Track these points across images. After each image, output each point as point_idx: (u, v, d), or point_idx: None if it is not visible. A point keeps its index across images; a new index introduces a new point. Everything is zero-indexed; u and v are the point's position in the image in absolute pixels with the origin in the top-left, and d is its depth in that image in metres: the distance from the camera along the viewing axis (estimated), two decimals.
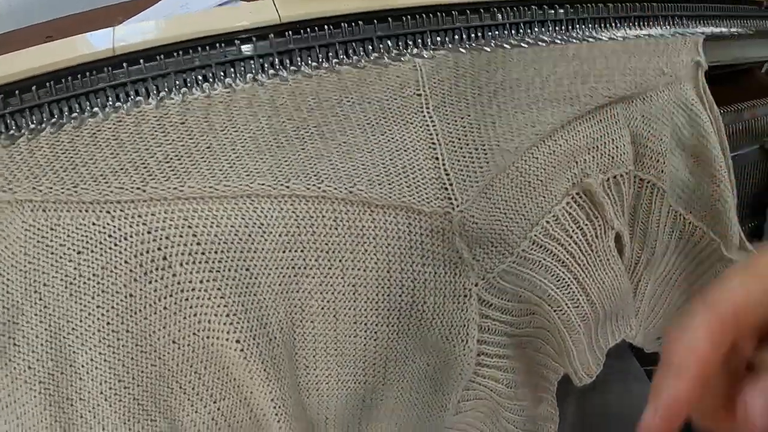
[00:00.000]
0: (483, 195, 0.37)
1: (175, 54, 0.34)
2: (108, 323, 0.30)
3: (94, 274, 0.30)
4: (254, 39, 0.35)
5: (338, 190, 0.33)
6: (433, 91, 0.35)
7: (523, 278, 0.39)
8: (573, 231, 0.39)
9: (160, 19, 0.67)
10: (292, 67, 0.33)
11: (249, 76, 0.33)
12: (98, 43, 0.34)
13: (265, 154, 0.32)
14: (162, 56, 0.33)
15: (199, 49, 0.35)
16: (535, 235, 0.39)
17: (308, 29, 0.37)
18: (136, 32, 0.35)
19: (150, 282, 0.30)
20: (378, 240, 0.34)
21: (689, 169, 0.46)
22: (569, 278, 0.39)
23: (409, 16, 0.38)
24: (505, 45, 0.34)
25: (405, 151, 0.34)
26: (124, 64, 0.33)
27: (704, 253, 0.47)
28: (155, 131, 0.31)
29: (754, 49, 0.55)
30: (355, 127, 0.34)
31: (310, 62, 0.34)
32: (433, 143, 0.35)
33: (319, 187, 0.33)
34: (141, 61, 0.33)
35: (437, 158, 0.35)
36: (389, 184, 0.34)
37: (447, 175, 0.35)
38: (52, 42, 0.36)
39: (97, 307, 0.30)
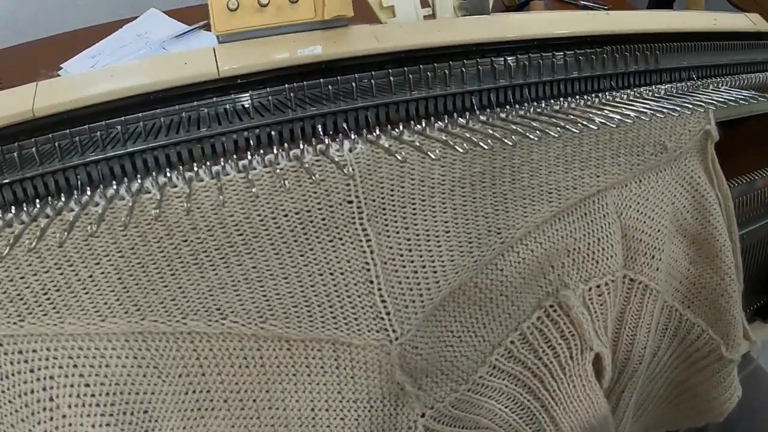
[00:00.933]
0: (431, 319, 0.30)
1: (58, 139, 0.28)
2: None
3: None
4: (145, 127, 0.29)
5: (246, 325, 0.27)
6: (369, 195, 0.28)
7: (481, 406, 0.33)
8: (543, 352, 0.33)
9: (111, 53, 0.60)
10: (187, 173, 0.27)
11: (135, 185, 0.26)
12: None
13: (158, 284, 0.26)
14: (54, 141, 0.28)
15: (89, 133, 0.29)
16: (497, 359, 0.32)
17: (217, 99, 0.30)
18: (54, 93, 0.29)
19: (39, 423, 0.27)
20: (298, 377, 0.28)
21: (690, 259, 0.39)
22: (536, 407, 0.33)
23: (358, 79, 0.31)
24: (464, 144, 0.27)
25: (330, 274, 0.28)
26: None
27: (701, 353, 0.40)
28: (30, 257, 0.26)
29: None
30: (267, 248, 0.27)
31: (208, 164, 0.27)
32: (367, 263, 0.28)
33: (223, 324, 0.27)
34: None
35: (371, 281, 0.28)
36: (309, 316, 0.28)
37: (383, 302, 0.28)
38: None
39: None
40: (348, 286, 0.28)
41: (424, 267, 0.29)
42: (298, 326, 0.28)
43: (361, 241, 0.28)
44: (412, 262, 0.29)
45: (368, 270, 0.28)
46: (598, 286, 0.34)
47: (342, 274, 0.28)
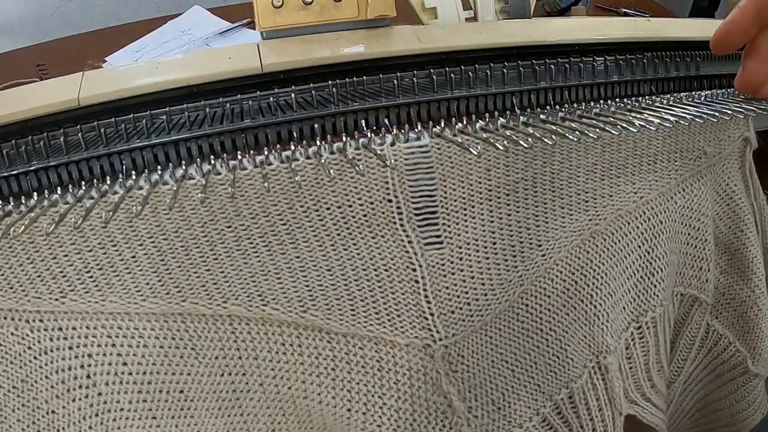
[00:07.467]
0: (483, 336, 0.29)
1: (102, 128, 0.28)
2: None
3: (13, 387, 0.27)
4: (191, 118, 0.28)
5: (287, 313, 0.26)
6: (408, 197, 0.27)
7: None
8: (584, 418, 0.31)
9: (154, 48, 0.61)
10: (231, 161, 0.26)
11: (179, 172, 0.26)
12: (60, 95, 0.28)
13: (200, 267, 0.26)
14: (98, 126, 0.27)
15: (134, 122, 0.29)
16: (549, 413, 0.31)
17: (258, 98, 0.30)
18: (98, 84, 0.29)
19: (74, 400, 0.27)
20: (337, 373, 0.27)
21: (721, 268, 0.37)
22: None
23: (400, 77, 0.30)
24: (504, 142, 0.26)
25: (375, 270, 0.27)
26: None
27: (727, 365, 0.39)
28: (73, 236, 0.26)
29: None
30: (310, 239, 0.26)
31: (251, 153, 0.26)
32: (412, 263, 0.27)
33: (264, 309, 0.26)
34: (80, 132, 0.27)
35: (417, 281, 0.27)
36: (352, 310, 0.27)
37: (428, 303, 0.27)
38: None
39: (18, 421, 0.27)
40: (393, 284, 0.27)
41: (472, 277, 0.28)
42: (340, 319, 0.27)
43: (402, 240, 0.27)
44: (462, 270, 0.28)
45: (414, 270, 0.27)
46: (638, 328, 0.32)
47: (387, 271, 0.27)
